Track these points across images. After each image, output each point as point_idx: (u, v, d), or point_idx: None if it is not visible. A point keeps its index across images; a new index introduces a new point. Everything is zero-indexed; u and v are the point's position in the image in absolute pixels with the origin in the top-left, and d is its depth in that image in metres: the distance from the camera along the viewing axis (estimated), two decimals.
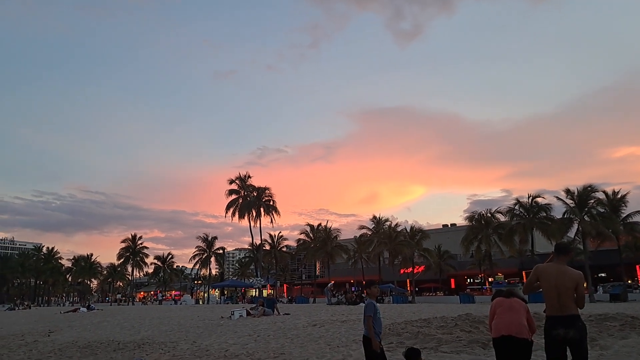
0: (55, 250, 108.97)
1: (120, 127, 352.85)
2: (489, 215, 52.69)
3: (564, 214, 43.20)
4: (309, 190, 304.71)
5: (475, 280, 62.27)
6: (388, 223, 58.83)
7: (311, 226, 66.77)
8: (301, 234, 67.29)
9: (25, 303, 70.22)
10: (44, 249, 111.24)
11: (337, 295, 39.83)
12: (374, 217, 60.27)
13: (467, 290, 54.16)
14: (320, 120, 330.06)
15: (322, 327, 16.61)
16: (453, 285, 62.74)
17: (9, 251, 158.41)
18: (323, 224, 66.38)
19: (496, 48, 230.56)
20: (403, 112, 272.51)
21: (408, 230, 57.97)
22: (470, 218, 53.90)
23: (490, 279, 55.12)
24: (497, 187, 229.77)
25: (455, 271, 62.62)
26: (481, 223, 52.36)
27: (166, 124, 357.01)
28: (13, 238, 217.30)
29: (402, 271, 57.93)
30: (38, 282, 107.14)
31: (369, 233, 59.95)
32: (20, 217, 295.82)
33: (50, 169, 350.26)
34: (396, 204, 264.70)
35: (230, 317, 21.93)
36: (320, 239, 64.15)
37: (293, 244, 72.61)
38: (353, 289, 57.78)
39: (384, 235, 57.00)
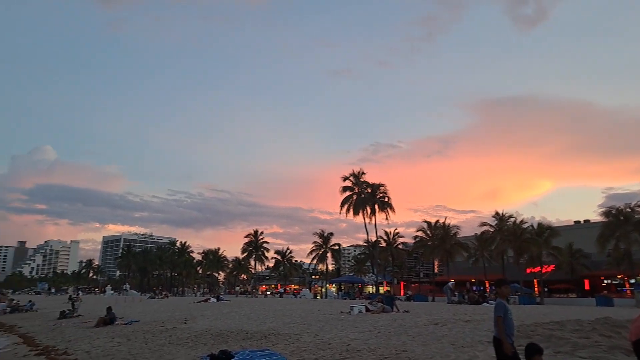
0: (187, 244, 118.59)
1: (242, 128, 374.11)
2: (629, 210, 47.76)
3: None
4: (425, 186, 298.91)
5: (613, 282, 56.79)
6: (512, 219, 55.68)
7: (428, 223, 65.38)
8: (418, 231, 66.19)
9: (164, 293, 76.96)
10: (178, 244, 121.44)
11: (459, 294, 38.47)
12: (497, 213, 57.41)
13: (605, 292, 49.51)
14: (435, 114, 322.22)
15: (445, 326, 16.11)
16: (587, 287, 57.69)
17: (149, 245, 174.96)
18: (441, 221, 64.69)
19: (633, 27, 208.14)
20: (526, 101, 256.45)
21: (535, 226, 54.48)
22: (606, 213, 49.19)
23: (631, 280, 49.97)
24: (636, 180, 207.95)
25: (590, 271, 57.48)
26: (619, 219, 47.59)
27: (283, 123, 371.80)
28: (152, 233, 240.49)
29: (528, 270, 54.60)
30: (173, 273, 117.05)
31: (491, 230, 57.23)
32: (157, 214, 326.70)
33: (182, 169, 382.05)
34: (520, 199, 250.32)
35: (349, 312, 22.12)
36: (439, 236, 62.53)
37: (409, 241, 71.69)
38: (475, 288, 55.59)
39: (507, 232, 54.09)
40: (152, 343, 15.46)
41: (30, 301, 44.89)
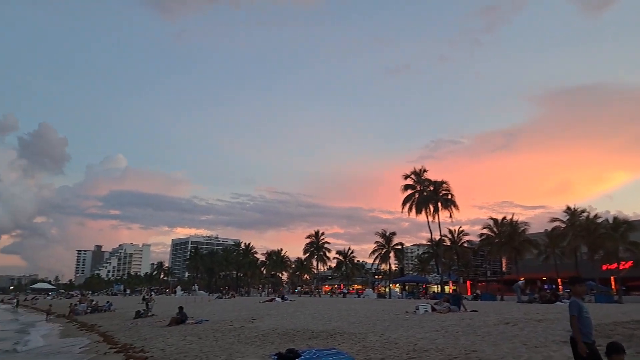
0: (251, 245, 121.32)
1: (301, 130, 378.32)
2: None
3: None
4: (490, 182, 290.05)
5: None
6: (585, 214, 52.91)
7: (494, 220, 63.23)
8: (484, 228, 64.13)
9: (231, 293, 79.09)
10: (242, 245, 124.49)
11: (530, 293, 37.01)
12: (568, 207, 54.72)
13: None
14: (499, 107, 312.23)
15: (516, 325, 15.56)
16: None
17: (215, 247, 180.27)
18: (508, 217, 62.42)
19: None
20: (596, 89, 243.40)
21: (610, 221, 51.48)
22: None
23: None
24: None
25: None
26: None
27: (342, 123, 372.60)
28: (217, 235, 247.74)
29: (604, 267, 51.72)
30: (239, 274, 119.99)
31: (563, 226, 54.64)
32: (222, 216, 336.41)
33: (244, 173, 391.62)
34: (593, 193, 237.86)
35: (415, 311, 21.84)
36: (506, 233, 60.37)
37: (475, 239, 69.62)
38: (546, 286, 53.30)
39: (580, 228, 51.44)
40: (221, 341, 15.94)
41: (108, 302, 47.47)
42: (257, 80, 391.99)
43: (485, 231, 63.95)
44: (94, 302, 47.28)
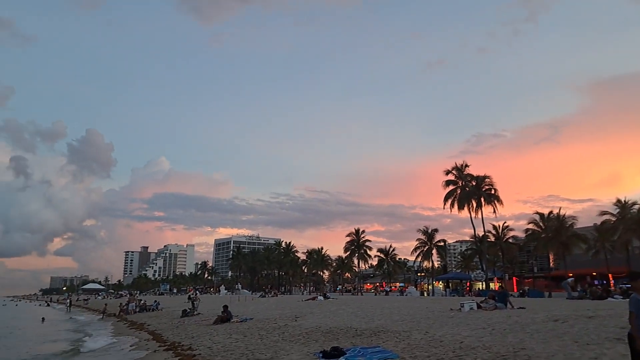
0: (292, 244, 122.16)
1: (339, 128, 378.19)
2: None
3: None
4: (534, 175, 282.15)
5: None
6: (636, 206, 50.81)
7: (540, 214, 61.51)
8: (529, 223, 62.51)
9: (274, 291, 79.89)
10: (283, 244, 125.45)
11: (581, 289, 35.82)
12: (618, 200, 52.69)
13: None
14: (542, 98, 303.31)
15: (565, 322, 15.11)
16: None
17: (256, 246, 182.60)
18: (554, 212, 60.60)
19: None
20: None
21: None
22: None
23: None
24: None
25: None
26: None
27: (379, 120, 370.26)
28: (258, 235, 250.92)
29: None
30: (280, 272, 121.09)
31: (613, 219, 52.69)
32: (262, 216, 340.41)
33: (283, 173, 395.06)
34: None
35: (459, 309, 21.50)
36: (552, 228, 58.62)
37: (520, 234, 67.94)
38: (596, 282, 51.48)
39: (631, 221, 49.49)
40: (266, 339, 16.13)
41: (155, 301, 48.82)
42: (294, 80, 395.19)
43: (531, 226, 62.35)
44: (142, 302, 48.67)
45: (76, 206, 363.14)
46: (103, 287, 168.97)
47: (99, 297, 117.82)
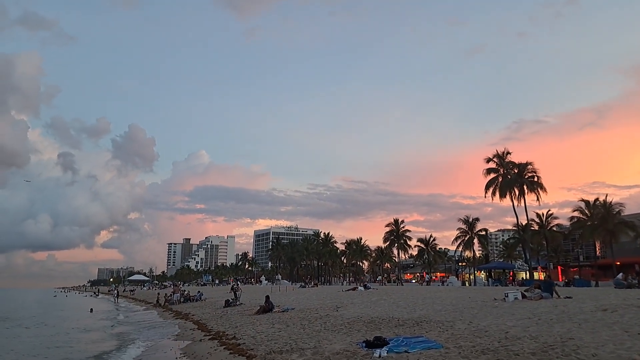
0: (330, 235, 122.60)
1: (376, 117, 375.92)
2: None
3: None
4: (578, 162, 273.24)
5: None
6: None
7: (586, 202, 59.60)
8: (574, 211, 60.67)
9: (314, 282, 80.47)
10: (322, 235, 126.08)
11: (631, 277, 34.59)
12: None
13: None
14: (585, 82, 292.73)
15: (615, 312, 14.68)
16: None
17: (295, 237, 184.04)
18: (601, 199, 58.60)
19: None
20: None
21: None
22: None
23: None
24: None
25: None
26: None
27: (417, 108, 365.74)
28: (297, 226, 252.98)
29: None
30: (320, 263, 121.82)
31: None
32: (300, 207, 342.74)
33: (320, 163, 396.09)
34: None
35: (504, 299, 21.14)
36: (599, 215, 56.72)
37: (565, 222, 66.06)
38: None
39: None
40: (309, 329, 16.30)
41: (199, 291, 49.93)
42: (330, 71, 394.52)
43: (576, 214, 60.55)
44: (186, 292, 49.90)
45: (121, 200, 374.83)
46: (148, 279, 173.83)
47: (144, 288, 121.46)
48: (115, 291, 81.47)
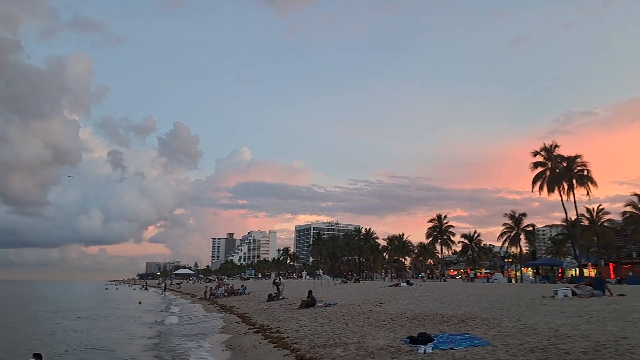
0: (371, 230, 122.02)
1: (417, 112, 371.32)
2: None
3: None
4: (630, 155, 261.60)
5: None
6: None
7: (639, 196, 57.16)
8: (626, 205, 58.33)
9: (355, 277, 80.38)
10: (363, 230, 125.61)
11: None
12: None
13: None
14: (636, 72, 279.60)
15: None
16: None
17: (335, 232, 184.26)
18: None
19: None
20: None
21: None
22: None
23: None
24: None
25: None
26: None
27: (459, 101, 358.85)
28: (337, 221, 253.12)
29: None
30: (361, 259, 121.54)
31: None
32: (341, 203, 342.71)
33: (360, 159, 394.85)
34: None
35: (553, 296, 20.53)
36: None
37: (617, 217, 63.54)
38: None
39: None
40: (352, 324, 16.31)
41: (243, 285, 50.78)
42: (371, 64, 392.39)
43: (628, 209, 58.25)
44: (230, 286, 50.81)
45: (167, 196, 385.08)
46: (193, 272, 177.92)
47: (190, 282, 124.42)
48: (163, 284, 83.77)
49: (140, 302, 47.25)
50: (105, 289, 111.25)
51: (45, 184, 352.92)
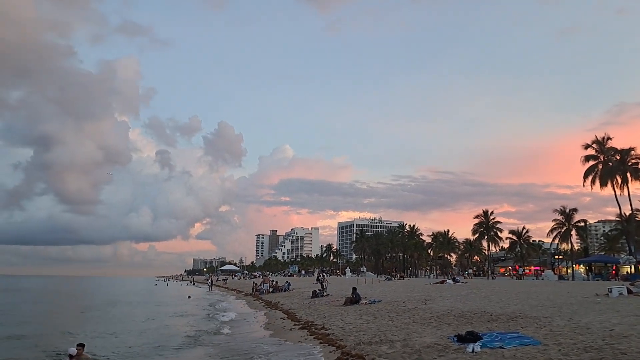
0: (416, 227, 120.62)
1: (462, 106, 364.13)
2: None
3: None
4: None
5: None
6: None
7: None
8: None
9: (400, 274, 79.70)
10: (407, 227, 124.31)
11: None
12: None
13: None
14: None
15: None
16: None
17: (379, 229, 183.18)
18: None
19: None
20: None
21: None
22: None
23: None
24: None
25: None
26: None
27: (506, 94, 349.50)
28: (381, 218, 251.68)
29: None
30: (405, 255, 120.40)
31: None
32: (384, 199, 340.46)
33: (404, 154, 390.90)
34: None
35: (607, 294, 19.77)
36: None
37: None
38: None
39: None
40: (397, 321, 16.19)
41: (287, 282, 51.20)
42: (413, 59, 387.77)
43: None
44: (274, 282, 51.34)
45: (212, 194, 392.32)
46: (238, 269, 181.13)
47: (235, 278, 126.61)
48: (210, 280, 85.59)
49: (189, 297, 48.61)
50: (155, 285, 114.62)
51: (98, 184, 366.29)
